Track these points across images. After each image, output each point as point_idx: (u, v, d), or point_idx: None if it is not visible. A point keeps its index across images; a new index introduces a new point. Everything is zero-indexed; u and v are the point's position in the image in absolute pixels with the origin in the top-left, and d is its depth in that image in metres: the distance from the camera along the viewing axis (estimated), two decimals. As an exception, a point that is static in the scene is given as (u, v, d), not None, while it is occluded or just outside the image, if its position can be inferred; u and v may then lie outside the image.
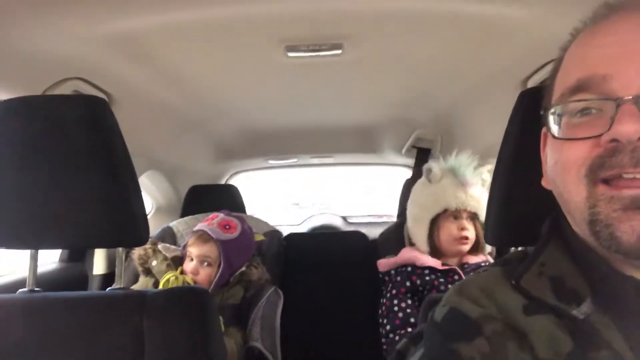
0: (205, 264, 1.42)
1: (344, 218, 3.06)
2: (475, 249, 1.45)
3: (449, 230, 1.41)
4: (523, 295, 0.50)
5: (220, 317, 1.37)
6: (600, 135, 0.43)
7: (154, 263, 1.42)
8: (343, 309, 1.85)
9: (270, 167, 2.73)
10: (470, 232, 1.42)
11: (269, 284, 1.54)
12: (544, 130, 0.55)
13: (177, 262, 1.45)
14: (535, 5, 0.88)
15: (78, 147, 0.79)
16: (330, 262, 1.98)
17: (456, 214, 1.42)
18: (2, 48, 0.93)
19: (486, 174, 1.44)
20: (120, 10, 0.93)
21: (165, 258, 1.43)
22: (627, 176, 0.42)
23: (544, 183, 0.56)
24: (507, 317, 0.49)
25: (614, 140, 0.42)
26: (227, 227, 1.47)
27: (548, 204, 0.54)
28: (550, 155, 0.51)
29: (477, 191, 1.43)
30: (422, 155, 2.13)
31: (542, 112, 0.50)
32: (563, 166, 0.47)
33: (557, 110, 0.48)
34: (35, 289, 0.86)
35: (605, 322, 0.45)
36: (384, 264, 1.51)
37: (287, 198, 4.31)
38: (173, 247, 1.51)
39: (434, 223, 1.43)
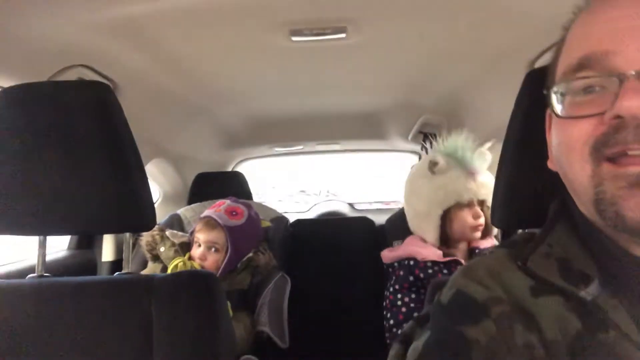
0: (213, 249, 1.43)
1: (351, 205, 3.06)
2: (484, 234, 1.43)
3: (464, 220, 1.38)
4: (530, 277, 0.50)
5: (229, 302, 1.40)
6: (603, 113, 0.43)
7: (162, 249, 1.44)
8: (349, 293, 1.86)
9: (277, 154, 2.72)
10: (483, 218, 1.39)
11: (276, 270, 1.55)
12: (548, 111, 0.54)
13: (184, 248, 1.47)
14: None
15: (83, 133, 0.79)
16: (336, 248, 1.99)
17: (469, 203, 1.38)
18: (5, 36, 0.93)
19: (488, 154, 1.40)
20: None
21: (173, 244, 1.45)
22: (632, 153, 0.41)
23: (549, 164, 0.55)
24: (514, 298, 0.48)
25: (617, 117, 0.41)
26: (234, 213, 1.48)
27: (555, 186, 0.53)
28: (554, 135, 0.50)
29: (486, 177, 1.40)
30: (428, 141, 2.11)
31: (544, 92, 0.50)
32: (567, 145, 0.46)
33: (559, 89, 0.47)
34: (45, 274, 0.87)
35: (612, 304, 0.45)
36: (387, 256, 1.49)
37: (294, 185, 4.31)
38: (180, 233, 1.53)
39: (445, 215, 1.39)
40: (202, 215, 1.50)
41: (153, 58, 1.26)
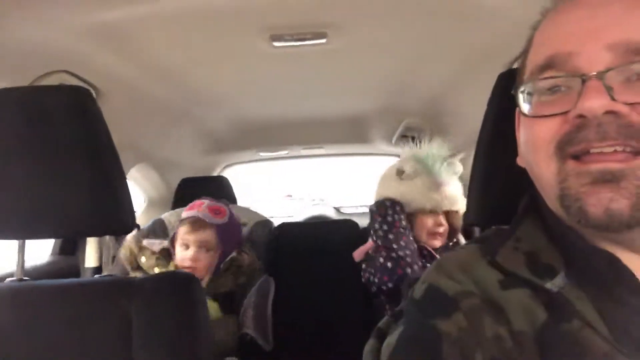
0: (205, 249, 1.41)
1: (337, 209, 3.08)
2: (449, 240, 1.46)
3: (423, 223, 1.41)
4: (499, 271, 0.51)
5: (217, 304, 1.39)
6: (567, 112, 0.44)
7: (143, 259, 1.41)
8: (335, 295, 1.87)
9: (262, 159, 2.73)
10: (444, 228, 1.42)
11: (261, 272, 1.55)
12: (518, 109, 0.56)
13: (165, 254, 1.44)
14: None
15: (62, 137, 0.79)
16: (321, 251, 2.00)
17: (431, 211, 1.40)
18: (-13, 40, 0.93)
19: (459, 166, 1.42)
20: (106, 1, 0.93)
21: (153, 252, 1.42)
22: (594, 151, 0.43)
23: (519, 161, 0.56)
24: (484, 292, 0.50)
25: (580, 116, 0.43)
26: (217, 212, 1.47)
27: (526, 182, 0.55)
28: (522, 134, 0.52)
29: (453, 188, 1.42)
30: (412, 145, 2.13)
31: (512, 92, 0.51)
32: (534, 143, 0.48)
33: (526, 88, 0.49)
34: (24, 278, 0.87)
35: (578, 295, 0.46)
36: (357, 254, 1.49)
37: (280, 190, 4.30)
38: (158, 241, 1.49)
39: (408, 218, 1.41)
40: (185, 215, 1.46)
41: (136, 63, 1.26)
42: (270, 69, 1.39)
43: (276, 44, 1.15)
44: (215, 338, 1.25)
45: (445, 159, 1.40)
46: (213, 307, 1.39)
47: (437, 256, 1.40)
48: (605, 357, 0.42)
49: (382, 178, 1.53)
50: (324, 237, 2.07)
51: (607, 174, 0.42)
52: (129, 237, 1.46)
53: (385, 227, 1.35)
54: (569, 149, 0.44)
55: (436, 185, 1.38)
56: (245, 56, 1.26)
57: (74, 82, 1.19)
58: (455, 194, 1.41)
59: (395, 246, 1.31)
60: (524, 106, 0.49)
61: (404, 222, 1.36)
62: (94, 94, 1.26)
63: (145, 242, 1.46)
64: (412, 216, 1.41)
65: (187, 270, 1.35)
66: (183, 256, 1.40)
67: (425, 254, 1.39)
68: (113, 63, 1.21)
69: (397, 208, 1.39)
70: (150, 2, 0.96)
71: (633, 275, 0.44)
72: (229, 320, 1.36)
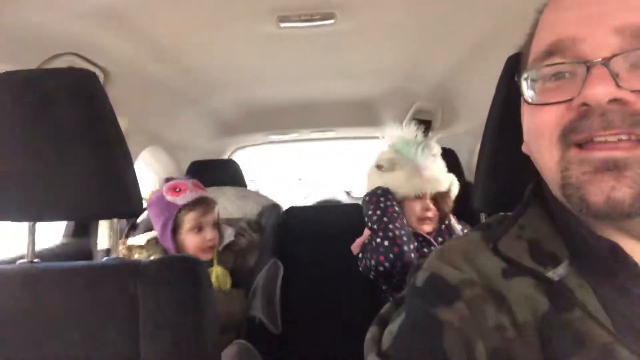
0: (215, 226, 1.44)
1: (348, 192, 3.08)
2: (441, 223, 1.46)
3: (410, 211, 1.42)
4: (502, 259, 0.50)
5: (230, 278, 1.43)
6: (571, 100, 0.43)
7: (137, 256, 1.40)
8: (342, 279, 1.87)
9: (272, 142, 2.73)
10: (432, 212, 1.43)
11: (269, 256, 1.56)
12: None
13: (153, 242, 1.41)
14: None
15: (68, 120, 0.80)
16: (330, 235, 2.00)
17: (416, 197, 1.41)
18: (-6, 23, 0.93)
19: (436, 147, 1.44)
20: None
21: (142, 247, 1.40)
22: (597, 139, 0.42)
23: (524, 148, 0.55)
24: (487, 281, 0.49)
25: (584, 104, 0.42)
26: (201, 187, 1.48)
27: (533, 169, 0.54)
28: (525, 121, 0.50)
29: (433, 171, 1.42)
30: (423, 128, 2.11)
31: (515, 78, 0.50)
32: (537, 131, 0.47)
33: (530, 75, 0.47)
34: (35, 260, 0.89)
35: (579, 283, 0.46)
36: (355, 246, 1.50)
37: (293, 174, 4.31)
38: (140, 235, 1.46)
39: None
40: (191, 198, 1.40)
41: (144, 46, 1.26)
42: (278, 50, 1.38)
43: (283, 25, 1.14)
44: (223, 310, 1.27)
45: (420, 143, 1.41)
46: (225, 274, 1.43)
47: (432, 240, 1.41)
48: (605, 346, 0.41)
49: (367, 174, 1.55)
50: (333, 221, 2.08)
51: (610, 162, 0.41)
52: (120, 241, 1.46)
53: (379, 212, 1.36)
54: (573, 137, 0.43)
55: (416, 170, 1.40)
56: (253, 38, 1.25)
57: (84, 64, 1.19)
58: (437, 176, 1.42)
59: (390, 226, 1.32)
60: (528, 93, 0.48)
61: (396, 208, 1.38)
62: (101, 77, 1.28)
63: (129, 241, 1.44)
64: (400, 204, 1.42)
65: (208, 252, 1.40)
66: (202, 239, 1.39)
67: (420, 240, 1.40)
68: (122, 46, 1.22)
69: (389, 195, 1.40)
70: None
71: (636, 264, 0.44)
72: (239, 296, 1.38)
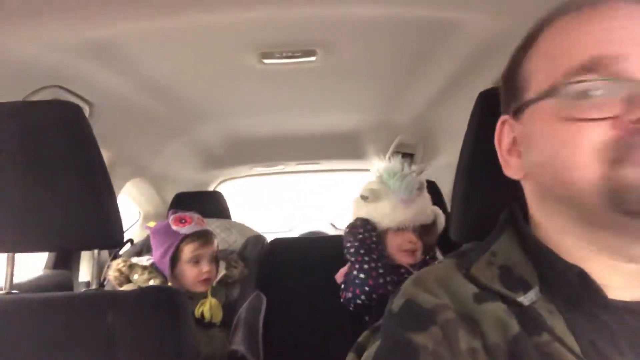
0: (213, 260, 1.46)
1: (333, 225, 3.08)
2: (427, 252, 1.46)
3: (393, 241, 1.41)
4: (474, 284, 0.51)
5: (222, 311, 1.44)
6: (615, 117, 0.43)
7: (136, 276, 1.40)
8: (326, 311, 1.84)
9: (257, 174, 2.74)
10: (416, 244, 1.41)
11: (252, 289, 1.55)
12: (500, 119, 0.56)
13: (157, 268, 1.43)
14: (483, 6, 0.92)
15: (52, 151, 0.81)
16: (315, 266, 1.98)
17: (399, 229, 1.41)
18: (-21, 56, 0.95)
19: (420, 180, 1.44)
20: (99, 18, 0.95)
21: (145, 267, 1.41)
22: None
23: (508, 172, 0.55)
24: (460, 305, 0.50)
25: (637, 121, 0.42)
26: (204, 222, 1.51)
27: (505, 198, 0.56)
28: (545, 138, 0.49)
29: (419, 203, 1.42)
30: (407, 161, 2.14)
31: (531, 97, 0.50)
32: (573, 147, 0.45)
33: (561, 90, 0.46)
34: (12, 291, 0.87)
35: (549, 309, 0.47)
36: (339, 276, 1.50)
37: (280, 209, 4.29)
38: (145, 257, 1.48)
39: (380, 237, 1.42)
40: (192, 230, 1.43)
41: (129, 78, 1.28)
42: (262, 85, 1.41)
43: (266, 61, 1.18)
44: (204, 351, 1.26)
45: (405, 176, 1.41)
46: (217, 307, 1.44)
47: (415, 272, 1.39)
48: None
49: (354, 200, 1.55)
50: (318, 253, 2.06)
51: None
52: (118, 258, 1.46)
53: (356, 244, 1.37)
54: (627, 153, 0.42)
55: (400, 203, 1.39)
56: (236, 73, 1.28)
57: (68, 97, 1.21)
58: (421, 209, 1.42)
59: (366, 258, 1.33)
60: (559, 109, 0.46)
61: (374, 239, 1.38)
62: (85, 109, 1.29)
63: (133, 259, 1.45)
64: (383, 235, 1.42)
65: (204, 284, 1.42)
66: (198, 272, 1.41)
67: (402, 272, 1.39)
68: (106, 78, 1.23)
69: (368, 226, 1.41)
70: (142, 20, 0.98)
71: (601, 290, 0.45)
72: (219, 334, 1.36)
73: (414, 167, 1.44)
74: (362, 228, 1.40)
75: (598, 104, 0.43)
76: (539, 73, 0.50)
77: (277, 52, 1.14)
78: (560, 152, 0.46)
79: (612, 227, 0.45)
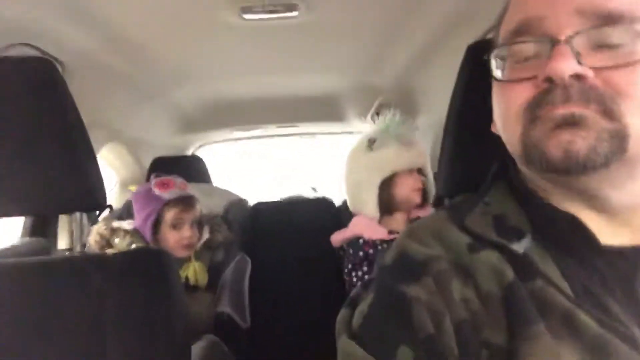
0: (195, 224, 1.45)
1: (314, 189, 3.08)
2: (424, 200, 1.53)
3: (406, 183, 1.46)
4: (468, 234, 0.52)
5: (207, 275, 1.44)
6: (537, 76, 0.45)
7: (117, 240, 1.39)
8: (310, 273, 1.88)
9: (236, 138, 2.70)
10: (423, 183, 1.50)
11: (237, 251, 1.55)
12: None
13: (138, 233, 1.43)
14: None
15: (26, 110, 0.77)
16: (297, 229, 2.01)
17: (409, 170, 1.48)
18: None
19: (415, 125, 1.54)
20: None
21: (127, 232, 1.41)
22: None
23: (493, 129, 0.57)
24: (453, 256, 0.51)
25: (548, 80, 0.44)
26: (186, 186, 1.50)
27: (496, 152, 0.56)
28: (495, 99, 0.52)
29: (418, 146, 1.50)
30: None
31: (485, 58, 0.52)
32: (505, 108, 0.49)
33: (499, 53, 0.49)
34: None
35: (542, 255, 0.48)
36: (336, 239, 1.54)
37: (266, 173, 4.27)
38: (127, 221, 1.47)
39: (386, 183, 1.47)
40: (171, 196, 1.42)
41: (102, 37, 1.22)
42: (241, 43, 1.36)
43: (246, 16, 1.13)
44: (190, 314, 1.26)
45: (402, 122, 1.49)
46: (203, 270, 1.44)
47: None
48: (566, 312, 0.43)
49: (350, 154, 1.58)
50: (300, 216, 2.08)
51: (568, 116, 0.43)
52: (99, 222, 1.44)
53: (364, 269, 1.40)
54: (537, 111, 0.45)
55: (403, 146, 1.46)
56: (215, 29, 1.23)
57: (37, 55, 1.14)
58: (422, 151, 1.51)
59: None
60: (497, 72, 0.50)
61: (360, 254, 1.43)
62: (59, 68, 1.23)
63: (115, 223, 1.44)
64: (390, 181, 1.46)
65: (185, 249, 1.41)
66: (180, 236, 1.41)
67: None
68: (77, 36, 1.17)
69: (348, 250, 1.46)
70: None
71: (594, 235, 0.46)
72: (204, 296, 1.36)
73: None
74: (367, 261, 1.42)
75: (528, 65, 0.46)
76: (499, 33, 0.52)
77: (258, 7, 1.09)
78: (500, 112, 0.50)
79: (551, 182, 0.49)
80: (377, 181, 1.46)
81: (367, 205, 1.48)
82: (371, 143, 1.48)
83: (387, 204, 1.47)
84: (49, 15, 1.04)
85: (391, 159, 1.45)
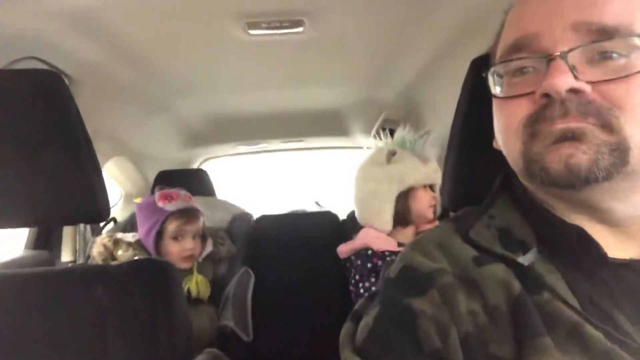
0: (198, 237, 1.46)
1: (317, 203, 3.08)
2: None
3: (423, 199, 1.49)
4: (473, 247, 0.52)
5: (209, 288, 1.45)
6: (534, 92, 0.45)
7: (120, 252, 1.39)
8: (313, 287, 1.87)
9: (241, 153, 2.70)
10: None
11: (240, 265, 1.55)
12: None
13: (141, 244, 1.43)
14: None
15: (32, 122, 0.77)
16: (301, 243, 1.99)
17: (424, 186, 1.50)
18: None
19: (434, 143, 1.54)
20: None
21: (129, 244, 1.41)
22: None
23: (495, 144, 0.57)
24: (459, 269, 0.50)
25: (545, 95, 0.44)
26: (190, 199, 1.52)
27: (499, 166, 0.56)
28: (494, 115, 0.53)
29: (433, 163, 1.53)
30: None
31: (483, 75, 0.52)
32: (504, 123, 0.49)
33: (497, 70, 0.50)
34: None
35: (548, 268, 0.47)
36: (343, 250, 1.54)
37: (268, 187, 4.26)
38: (130, 234, 1.48)
39: (402, 197, 1.47)
40: (174, 208, 1.43)
41: (109, 51, 1.24)
42: (247, 58, 1.37)
43: (252, 32, 1.15)
44: (193, 327, 1.26)
45: (420, 138, 1.53)
46: (205, 283, 1.44)
47: None
48: (574, 325, 0.43)
49: (364, 165, 1.58)
50: (304, 230, 2.07)
51: (567, 132, 0.43)
52: (102, 235, 1.45)
53: (372, 280, 1.40)
54: (536, 127, 0.45)
55: (424, 161, 1.49)
56: (220, 44, 1.25)
57: (44, 68, 1.16)
58: (436, 167, 1.53)
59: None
60: (495, 88, 0.50)
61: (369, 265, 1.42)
62: (66, 81, 1.24)
63: (119, 235, 1.45)
64: (406, 194, 1.48)
65: (187, 260, 1.42)
66: (181, 248, 1.42)
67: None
68: (84, 50, 1.19)
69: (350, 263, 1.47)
70: None
71: (600, 248, 0.46)
72: (207, 309, 1.35)
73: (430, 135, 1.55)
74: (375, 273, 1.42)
75: (525, 81, 0.47)
76: (496, 52, 0.53)
77: (264, 22, 1.11)
78: (500, 128, 0.51)
79: (554, 196, 0.49)
80: (395, 192, 1.47)
81: (382, 216, 1.48)
82: (391, 155, 1.50)
83: (402, 217, 1.48)
84: (56, 29, 1.06)
85: (410, 172, 1.46)
